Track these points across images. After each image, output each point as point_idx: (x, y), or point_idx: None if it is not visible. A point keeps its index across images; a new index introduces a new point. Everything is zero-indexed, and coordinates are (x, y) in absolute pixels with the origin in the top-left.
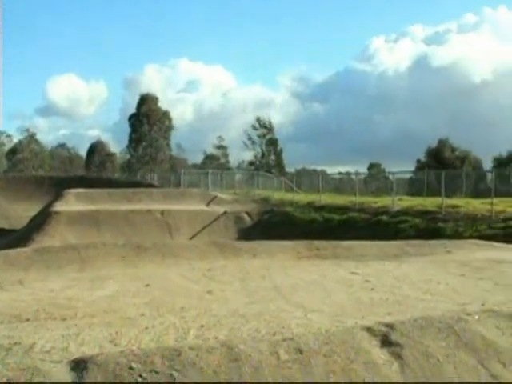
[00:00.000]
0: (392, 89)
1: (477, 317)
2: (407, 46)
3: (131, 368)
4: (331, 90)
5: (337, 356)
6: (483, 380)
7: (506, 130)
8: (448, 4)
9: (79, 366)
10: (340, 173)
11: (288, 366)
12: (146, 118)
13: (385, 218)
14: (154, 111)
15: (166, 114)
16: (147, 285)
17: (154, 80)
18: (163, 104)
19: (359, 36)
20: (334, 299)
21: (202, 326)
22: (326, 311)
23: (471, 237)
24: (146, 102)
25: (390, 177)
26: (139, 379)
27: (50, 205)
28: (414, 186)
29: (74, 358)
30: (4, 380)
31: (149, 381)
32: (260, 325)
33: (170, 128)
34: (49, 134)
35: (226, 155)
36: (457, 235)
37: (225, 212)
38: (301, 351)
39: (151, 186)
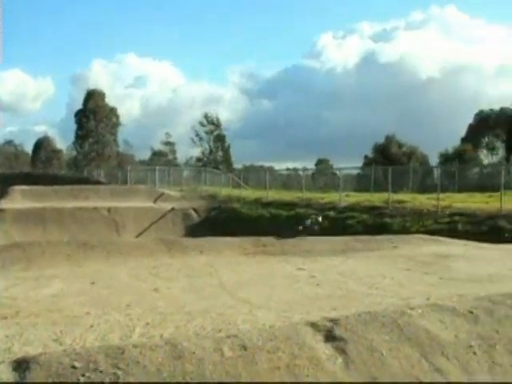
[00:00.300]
0: (340, 85)
1: (420, 311)
2: (355, 43)
3: (74, 367)
4: (280, 86)
5: (281, 352)
6: (428, 373)
7: (452, 126)
8: (395, 1)
9: (21, 366)
10: (288, 169)
11: (232, 362)
12: (93, 114)
13: (332, 213)
14: (100, 107)
15: (112, 110)
16: (93, 283)
17: (101, 76)
18: (110, 100)
19: (307, 33)
20: (280, 295)
21: (148, 324)
22: (272, 307)
23: (418, 232)
24: (93, 98)
25: (338, 173)
26: (82, 378)
27: None
28: (361, 182)
29: (16, 358)
30: None
31: (92, 380)
32: (206, 322)
33: (117, 124)
34: None
35: (173, 151)
36: (404, 230)
37: (172, 209)
38: (245, 348)
39: (98, 182)
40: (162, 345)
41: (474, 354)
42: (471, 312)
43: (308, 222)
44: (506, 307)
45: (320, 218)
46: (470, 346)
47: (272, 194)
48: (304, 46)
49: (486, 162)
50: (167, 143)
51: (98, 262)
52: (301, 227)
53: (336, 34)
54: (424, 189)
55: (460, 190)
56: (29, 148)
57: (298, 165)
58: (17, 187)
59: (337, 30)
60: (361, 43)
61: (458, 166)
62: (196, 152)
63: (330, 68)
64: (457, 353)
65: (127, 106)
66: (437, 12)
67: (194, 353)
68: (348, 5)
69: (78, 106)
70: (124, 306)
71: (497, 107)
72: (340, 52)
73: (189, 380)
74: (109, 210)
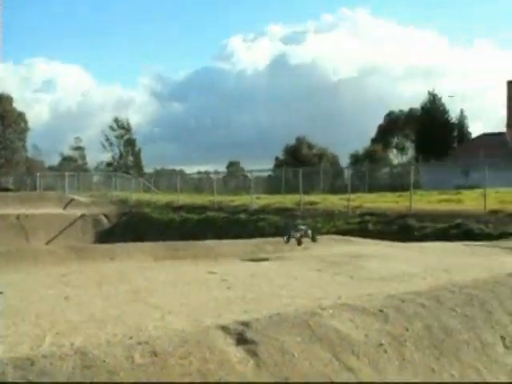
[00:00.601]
0: (251, 87)
1: (331, 311)
2: (266, 45)
3: None
4: (190, 89)
5: (192, 357)
6: (339, 372)
7: (362, 127)
8: (305, 4)
9: None
10: (199, 172)
11: (143, 369)
12: (1, 120)
13: (243, 216)
14: (8, 112)
15: (21, 115)
16: (0, 293)
17: (9, 80)
18: (19, 104)
19: (218, 35)
20: (192, 299)
21: (58, 333)
22: (184, 312)
23: (329, 232)
24: (0, 103)
25: (249, 175)
26: None
27: None
28: (272, 184)
29: None
30: None
31: None
32: (117, 329)
33: (25, 129)
34: None
35: (83, 157)
36: (315, 231)
37: (82, 215)
38: (156, 354)
39: (7, 189)
40: (72, 354)
41: (385, 351)
42: (381, 311)
43: (297, 234)
44: (415, 305)
45: (310, 232)
46: (381, 345)
47: (183, 198)
48: (214, 49)
49: (395, 161)
50: (77, 148)
51: (6, 271)
52: (286, 238)
53: (246, 37)
54: (335, 189)
55: (371, 190)
56: None
57: (210, 168)
58: None
59: (247, 33)
60: (271, 45)
61: (368, 167)
62: (106, 157)
63: (241, 70)
64: (367, 351)
65: (36, 110)
66: (347, 14)
67: (104, 361)
68: (258, 7)
69: None
70: (34, 315)
71: (406, 108)
72: (251, 54)
73: None
74: (18, 217)
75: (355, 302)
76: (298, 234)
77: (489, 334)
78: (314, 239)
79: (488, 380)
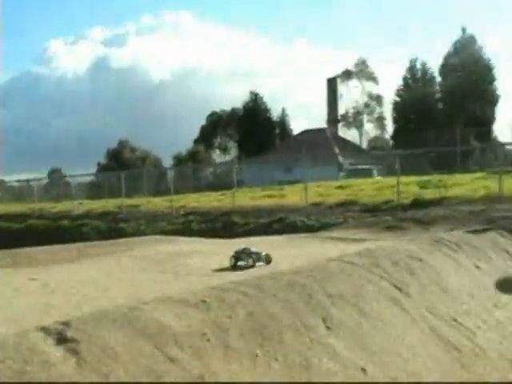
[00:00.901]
0: (71, 92)
1: (153, 305)
2: (86, 48)
3: None
4: (8, 95)
5: (11, 360)
6: (161, 363)
7: (185, 128)
8: (126, 6)
9: None
10: (19, 180)
11: None
12: None
13: (65, 222)
14: None
15: None
16: None
17: None
18: None
19: (36, 39)
20: (12, 307)
21: None
22: (4, 318)
23: (154, 233)
24: None
25: (71, 181)
26: None
27: None
28: (95, 189)
29: None
30: None
31: None
32: None
33: None
34: None
35: None
36: (138, 233)
37: None
38: None
39: None
40: None
41: (208, 340)
42: (204, 301)
43: (250, 261)
44: (237, 293)
45: (264, 253)
46: (204, 334)
47: (3, 207)
48: (33, 53)
49: (219, 161)
50: None
51: None
52: (232, 264)
53: (66, 40)
54: (159, 191)
55: (195, 191)
56: None
57: (31, 176)
58: None
59: (67, 36)
60: (92, 48)
61: (191, 167)
62: None
63: (61, 74)
64: (190, 341)
65: None
66: (169, 17)
67: None
68: (78, 9)
69: None
70: None
71: (228, 108)
72: (71, 58)
73: None
74: None
75: (177, 295)
76: (251, 260)
77: (310, 317)
78: (268, 261)
79: (312, 361)
